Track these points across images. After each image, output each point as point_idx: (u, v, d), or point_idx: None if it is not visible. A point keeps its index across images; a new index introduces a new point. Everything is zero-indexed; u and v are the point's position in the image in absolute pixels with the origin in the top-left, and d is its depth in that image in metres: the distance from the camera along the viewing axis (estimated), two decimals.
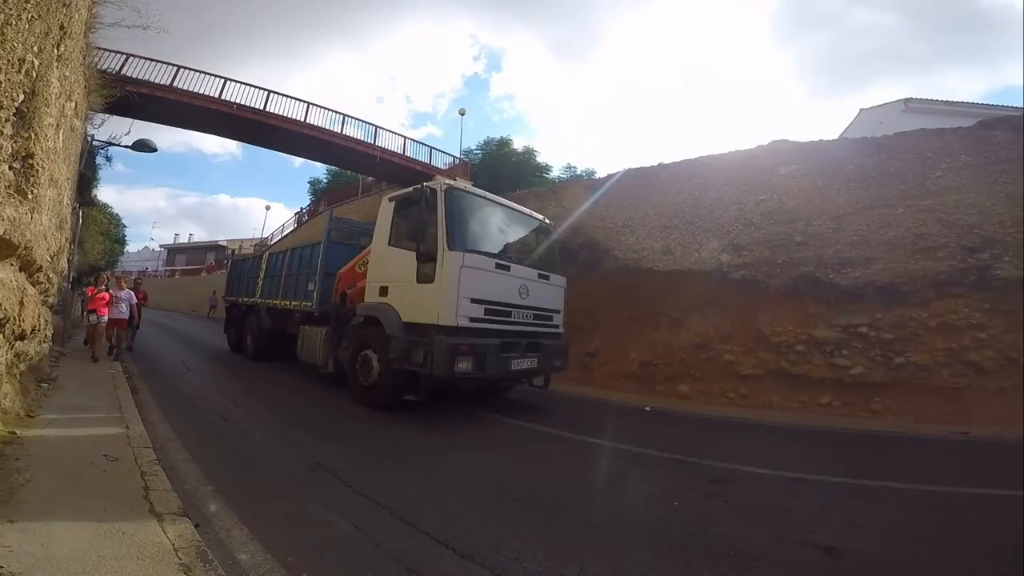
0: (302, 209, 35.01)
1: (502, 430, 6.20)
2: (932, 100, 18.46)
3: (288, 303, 9.71)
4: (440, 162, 24.36)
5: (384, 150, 22.29)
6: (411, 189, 6.88)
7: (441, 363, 5.76)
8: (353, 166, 24.94)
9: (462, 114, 29.04)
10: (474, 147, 28.23)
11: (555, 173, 27.79)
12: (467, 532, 3.18)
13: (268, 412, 6.45)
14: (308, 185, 38.70)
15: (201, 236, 74.49)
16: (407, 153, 23.36)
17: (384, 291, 6.89)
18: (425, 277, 6.23)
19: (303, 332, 8.86)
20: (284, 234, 34.05)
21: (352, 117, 21.98)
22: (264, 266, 11.30)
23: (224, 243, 57.94)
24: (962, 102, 17.92)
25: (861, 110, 21.03)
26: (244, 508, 3.38)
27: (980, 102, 18.39)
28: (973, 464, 5.41)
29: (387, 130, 23.00)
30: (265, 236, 39.74)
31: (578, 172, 28.87)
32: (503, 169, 24.96)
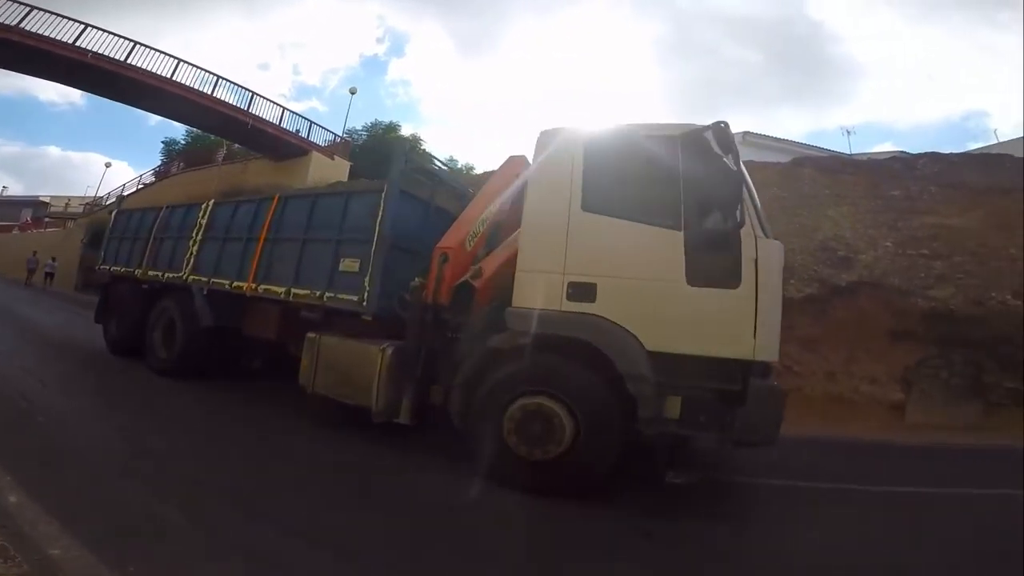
0: (158, 166, 31.35)
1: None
2: (766, 135, 20.41)
3: (278, 290, 5.69)
4: (320, 138, 23.34)
5: (257, 118, 20.55)
6: (630, 130, 4.28)
7: (770, 424, 3.65)
8: (221, 131, 22.81)
9: (352, 93, 27.77)
10: (359, 127, 27.54)
11: (437, 164, 27.92)
12: None
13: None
14: (162, 145, 34.63)
15: (18, 190, 61.98)
16: (284, 125, 21.86)
17: (586, 291, 3.95)
18: (711, 277, 3.72)
19: (318, 345, 5.05)
20: (126, 193, 29.96)
21: (227, 80, 20.33)
22: (205, 222, 6.99)
23: (47, 199, 49.34)
24: (788, 139, 20.40)
25: None
26: (54, 500, 3.00)
27: (801, 141, 21.42)
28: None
29: (264, 98, 21.48)
30: (101, 195, 34.59)
31: (459, 165, 29.33)
32: (385, 154, 24.39)
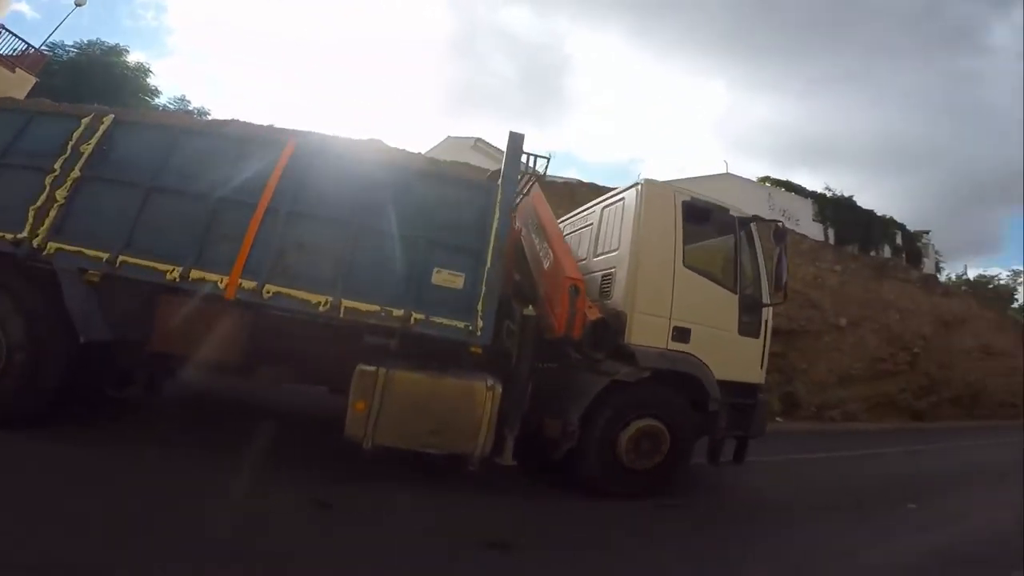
0: None
1: None
2: (494, 145, 20.62)
3: (310, 299, 3.77)
4: (4, 47, 15.92)
5: None
6: (725, 207, 5.24)
7: (765, 423, 5.22)
8: None
9: (79, 4, 19.88)
10: (70, 43, 20.11)
11: (163, 100, 22.42)
12: None
13: None
14: None
15: None
16: None
17: (685, 335, 4.73)
18: (750, 329, 5.08)
19: (383, 382, 3.76)
20: None
21: None
22: (92, 149, 3.99)
23: None
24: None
25: (448, 136, 23.32)
26: None
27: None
28: None
29: None
30: None
31: (191, 107, 24.00)
32: (97, 78, 18.80)
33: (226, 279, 3.73)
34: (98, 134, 4.00)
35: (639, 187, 4.98)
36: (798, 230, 17.56)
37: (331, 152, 4.30)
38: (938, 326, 17.14)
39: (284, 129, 4.48)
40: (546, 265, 4.76)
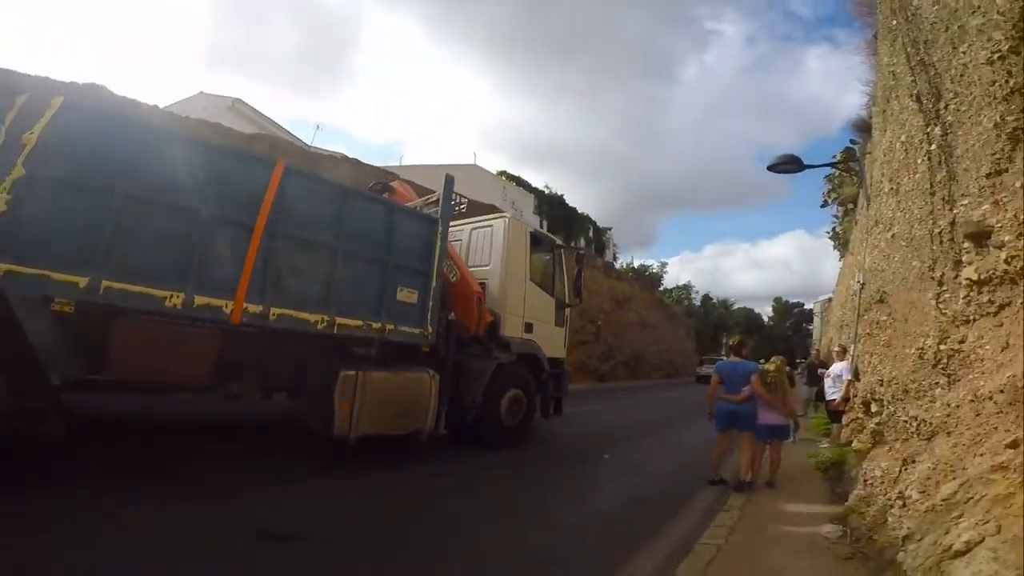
0: None
1: None
2: (254, 108, 20.87)
3: (308, 317, 4.33)
4: None
5: None
6: (551, 237, 8.04)
7: (568, 386, 7.82)
8: None
9: None
10: None
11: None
12: None
13: None
14: None
15: None
16: None
17: (530, 328, 7.01)
18: (561, 322, 7.72)
19: (361, 383, 4.59)
20: None
21: None
22: (35, 144, 3.10)
23: None
24: (270, 118, 21.55)
25: (201, 92, 21.21)
26: None
27: (282, 123, 22.47)
28: None
29: None
30: None
31: None
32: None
33: (231, 304, 3.85)
34: (43, 120, 3.27)
35: (506, 220, 7.06)
36: (522, 220, 22.18)
37: (317, 178, 4.85)
38: (613, 304, 24.08)
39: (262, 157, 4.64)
40: (453, 279, 6.24)
